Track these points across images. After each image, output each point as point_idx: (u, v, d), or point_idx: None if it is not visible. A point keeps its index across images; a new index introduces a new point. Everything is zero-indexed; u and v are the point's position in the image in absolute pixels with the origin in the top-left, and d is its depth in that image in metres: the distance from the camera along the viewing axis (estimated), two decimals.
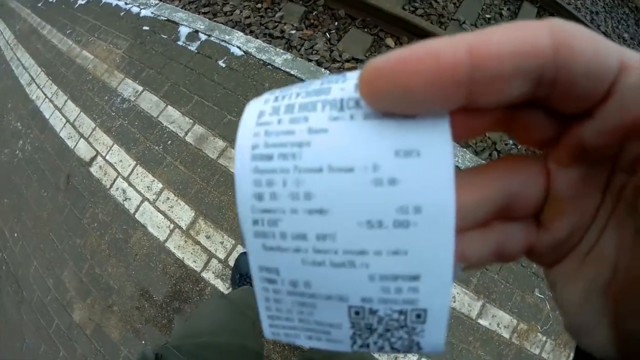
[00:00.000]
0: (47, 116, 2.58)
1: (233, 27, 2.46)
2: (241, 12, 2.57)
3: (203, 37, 2.20)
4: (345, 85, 0.14)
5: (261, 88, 1.92)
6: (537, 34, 0.11)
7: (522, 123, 0.15)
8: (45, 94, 2.71)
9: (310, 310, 0.15)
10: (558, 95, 0.12)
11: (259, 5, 2.64)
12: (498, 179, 0.16)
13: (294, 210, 0.13)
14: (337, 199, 0.13)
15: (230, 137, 1.86)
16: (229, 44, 2.11)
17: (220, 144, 1.87)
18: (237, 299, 1.38)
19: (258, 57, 2.00)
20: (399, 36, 2.47)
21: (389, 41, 2.45)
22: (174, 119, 2.01)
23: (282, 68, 1.94)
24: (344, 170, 0.13)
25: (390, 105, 0.12)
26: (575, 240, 0.16)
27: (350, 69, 2.13)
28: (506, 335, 1.65)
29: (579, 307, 0.16)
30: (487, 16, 3.08)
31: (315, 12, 2.55)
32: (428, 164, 0.12)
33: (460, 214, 0.14)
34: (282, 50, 1.99)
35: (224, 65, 2.05)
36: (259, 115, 0.15)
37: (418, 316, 0.14)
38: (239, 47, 2.07)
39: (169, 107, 2.05)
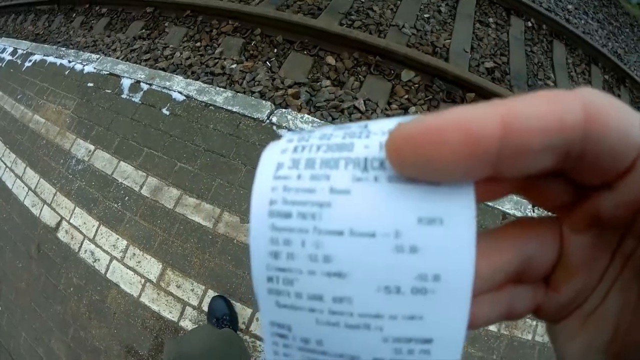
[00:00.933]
0: (9, 186, 2.56)
1: (174, 72, 2.45)
2: (181, 53, 2.56)
3: (145, 86, 2.19)
4: (370, 142, 0.14)
5: (206, 130, 1.92)
6: (569, 109, 0.11)
7: (541, 190, 0.15)
8: (5, 164, 2.68)
9: None
10: (582, 168, 0.12)
11: (198, 44, 2.63)
12: (514, 246, 0.16)
13: (312, 272, 0.13)
14: (356, 264, 0.13)
15: (182, 184, 1.86)
16: (170, 90, 2.10)
17: (175, 192, 1.87)
18: (224, 334, 1.39)
19: (199, 99, 2.00)
20: (339, 53, 2.46)
21: (330, 59, 2.44)
22: (127, 174, 2.00)
23: (223, 107, 1.94)
24: (366, 235, 0.12)
25: (416, 173, 0.12)
26: (580, 300, 0.16)
27: (293, 95, 2.13)
28: (494, 328, 1.65)
29: None
30: (426, 15, 3.05)
31: (253, 42, 2.54)
32: (450, 234, 0.12)
33: (477, 282, 0.13)
34: (222, 89, 1.99)
35: (167, 112, 2.04)
36: (277, 168, 0.14)
37: None
38: (180, 92, 2.06)
39: (122, 162, 2.04)
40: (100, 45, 3.12)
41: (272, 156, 0.15)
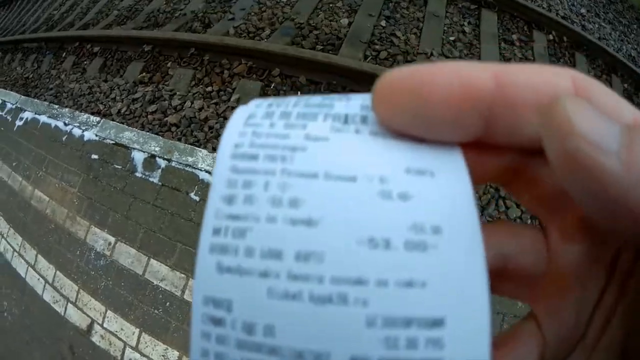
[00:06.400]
0: (22, 274, 2.13)
1: (188, 126, 1.98)
2: (192, 103, 2.06)
3: (162, 162, 1.74)
4: (350, 103, 0.11)
5: None
6: (559, 77, 0.10)
7: (528, 175, 0.13)
8: (12, 247, 2.24)
9: None
10: None
11: (209, 89, 2.13)
12: (486, 241, 0.12)
13: (272, 219, 0.09)
14: (331, 208, 0.09)
15: None
16: (194, 168, 1.67)
17: None
18: None
19: None
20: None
21: None
22: (162, 275, 1.61)
23: None
24: (345, 179, 0.09)
25: (404, 120, 0.10)
26: (581, 330, 0.13)
27: None
28: None
29: None
30: (451, 38, 2.63)
31: (272, 85, 2.06)
32: (444, 184, 0.09)
33: None
34: None
35: (197, 198, 1.62)
36: (249, 117, 0.11)
37: None
38: (207, 172, 1.63)
39: (152, 260, 1.64)
40: (97, 94, 2.57)
41: (243, 110, 0.12)
